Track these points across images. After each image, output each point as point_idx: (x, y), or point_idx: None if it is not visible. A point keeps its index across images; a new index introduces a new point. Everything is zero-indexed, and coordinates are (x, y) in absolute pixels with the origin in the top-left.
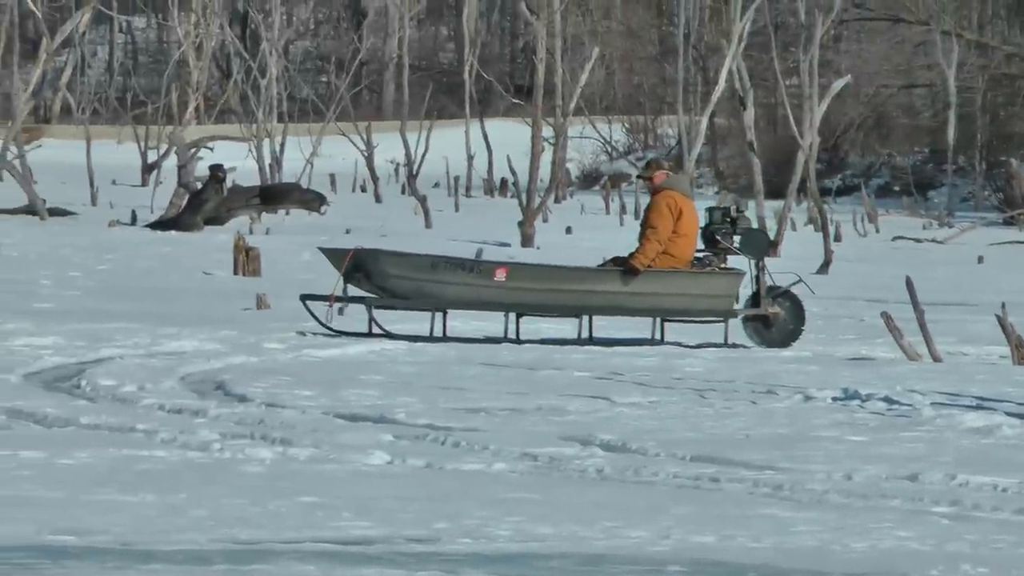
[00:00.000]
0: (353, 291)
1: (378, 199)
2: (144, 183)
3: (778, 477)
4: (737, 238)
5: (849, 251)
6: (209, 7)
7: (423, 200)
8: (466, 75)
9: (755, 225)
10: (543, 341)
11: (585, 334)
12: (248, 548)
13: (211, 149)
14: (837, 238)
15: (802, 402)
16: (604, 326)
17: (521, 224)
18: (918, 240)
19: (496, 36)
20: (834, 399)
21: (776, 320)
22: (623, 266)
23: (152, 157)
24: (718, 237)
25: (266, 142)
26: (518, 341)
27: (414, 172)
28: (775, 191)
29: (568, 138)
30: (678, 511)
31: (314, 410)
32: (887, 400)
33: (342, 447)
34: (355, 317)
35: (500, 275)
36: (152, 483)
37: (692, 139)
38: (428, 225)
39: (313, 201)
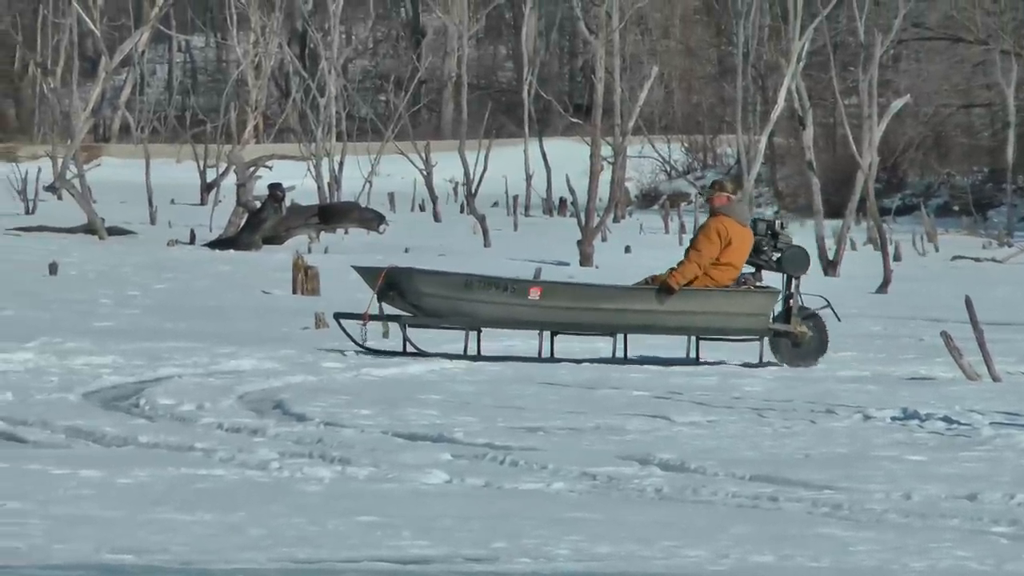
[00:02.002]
0: (387, 310)
1: (437, 218)
2: (203, 202)
3: (837, 497)
4: (777, 254)
5: (908, 271)
6: (268, 26)
7: (482, 219)
8: (525, 94)
9: (796, 242)
10: (578, 361)
11: (620, 353)
12: (307, 567)
13: (270, 168)
14: (896, 258)
15: (861, 421)
16: (640, 345)
17: (580, 243)
18: (977, 259)
19: (555, 55)
20: (893, 419)
21: (803, 340)
22: (659, 284)
23: (211, 176)
24: (763, 248)
25: (325, 161)
26: (552, 359)
27: (473, 191)
28: (834, 211)
29: (627, 157)
30: (737, 531)
31: (373, 429)
32: (946, 420)
33: (401, 466)
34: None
35: (534, 294)
36: (210, 502)
37: (751, 159)
38: (487, 244)
39: (372, 220)
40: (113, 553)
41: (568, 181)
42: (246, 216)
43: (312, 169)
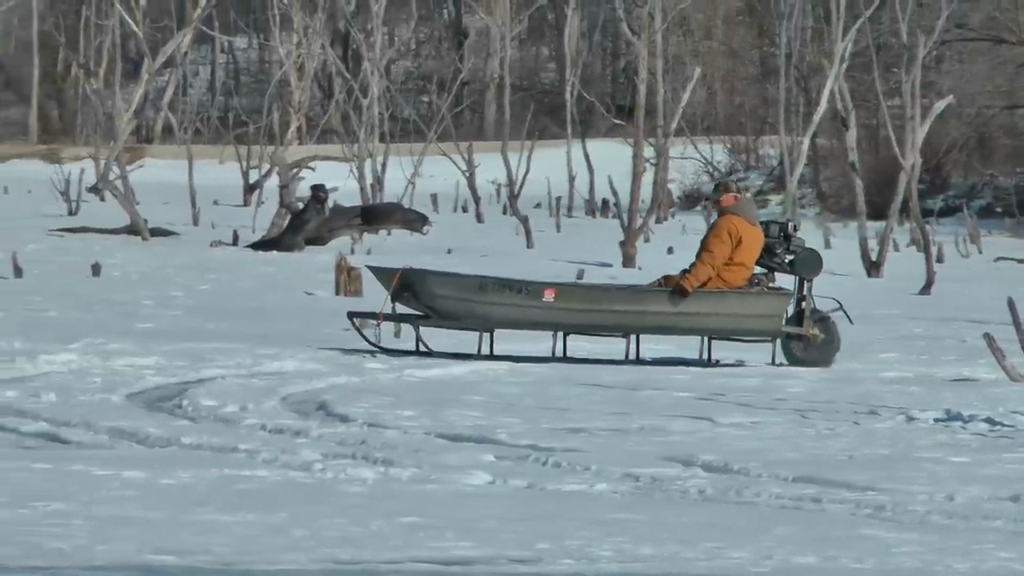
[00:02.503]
0: (400, 310)
1: (479, 219)
2: (246, 203)
3: (880, 498)
4: (790, 257)
5: (951, 272)
6: (311, 27)
7: (524, 220)
8: (567, 95)
9: (808, 244)
10: (584, 360)
11: (632, 354)
12: (349, 568)
13: (313, 169)
14: (939, 259)
15: (904, 423)
16: (651, 346)
17: (622, 244)
18: (1020, 261)
19: (597, 56)
20: (936, 420)
21: (814, 343)
22: (673, 286)
23: (254, 177)
24: (776, 251)
25: (368, 162)
26: (564, 359)
27: (515, 192)
28: (877, 212)
29: (669, 158)
30: (780, 532)
31: (416, 430)
32: (989, 421)
33: (444, 467)
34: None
35: (548, 296)
36: (253, 503)
37: (794, 160)
38: (529, 245)
39: (415, 221)
40: (156, 554)
41: (611, 182)
42: (289, 217)
43: (355, 170)
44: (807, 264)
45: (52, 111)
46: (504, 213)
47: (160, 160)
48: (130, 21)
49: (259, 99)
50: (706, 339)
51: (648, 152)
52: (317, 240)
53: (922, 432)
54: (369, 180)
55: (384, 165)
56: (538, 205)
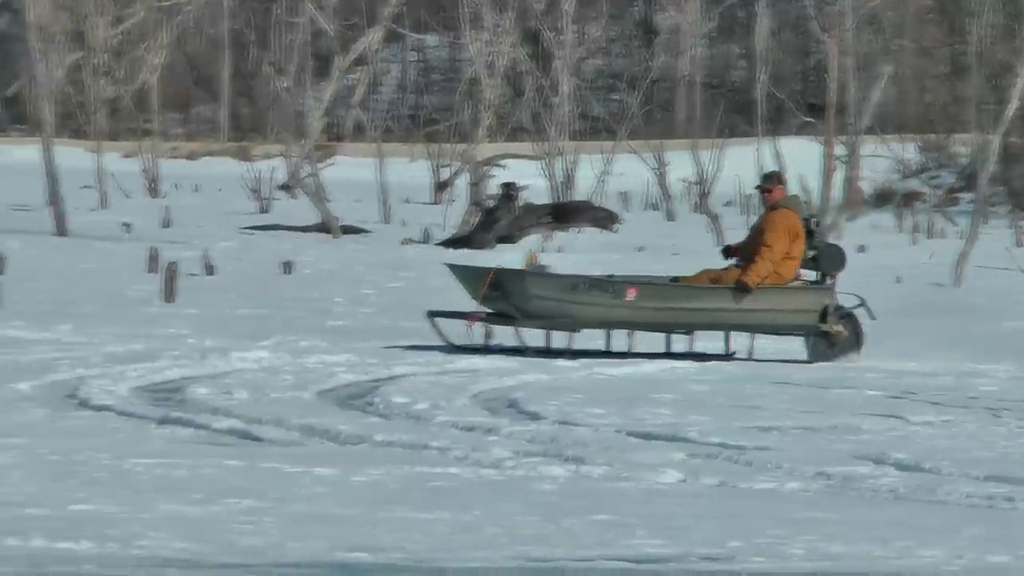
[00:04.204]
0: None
1: (670, 217)
2: (436, 201)
3: None
4: (812, 252)
5: None
6: (501, 26)
7: (715, 218)
8: (757, 93)
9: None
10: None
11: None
12: (541, 566)
13: (503, 167)
14: None
15: None
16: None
17: None
18: None
19: (788, 54)
20: None
21: (839, 339)
22: (735, 282)
23: (444, 175)
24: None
25: (558, 160)
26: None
27: (706, 190)
28: None
29: (860, 156)
30: (972, 531)
31: (607, 428)
32: None
33: (635, 465)
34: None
35: (631, 294)
36: (445, 500)
37: (985, 158)
38: (720, 243)
39: (605, 219)
40: (348, 551)
41: (801, 180)
42: (480, 215)
43: (545, 168)
44: (832, 259)
45: (243, 109)
46: (695, 211)
47: (351, 158)
48: (320, 19)
49: (449, 97)
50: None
51: (839, 150)
52: (508, 238)
53: None
54: (559, 178)
55: (574, 163)
56: (728, 203)
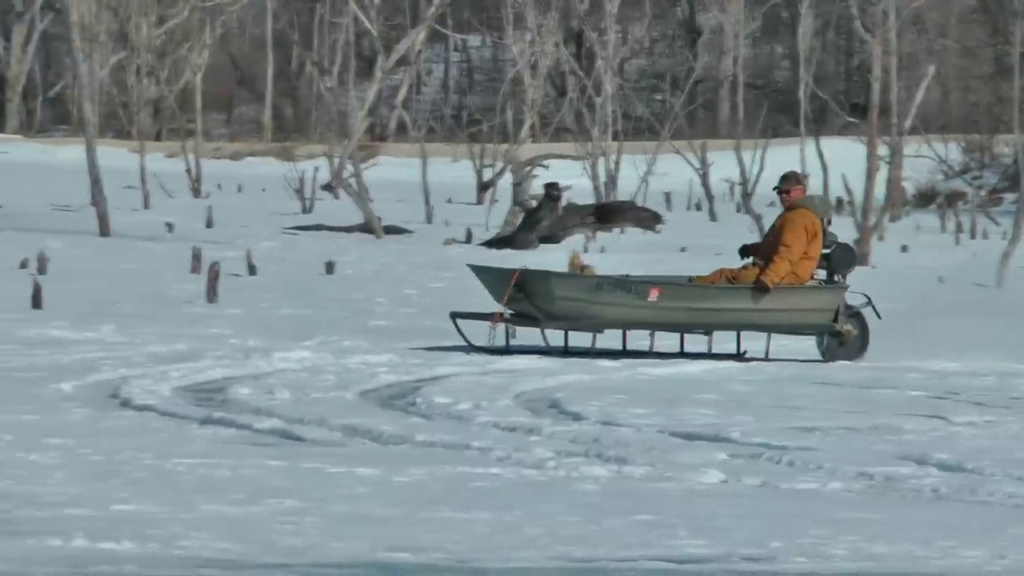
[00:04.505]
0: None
1: (713, 217)
2: (479, 201)
3: None
4: (825, 251)
5: None
6: (544, 26)
7: (758, 219)
8: (801, 93)
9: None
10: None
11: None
12: (583, 567)
13: (546, 167)
14: None
15: None
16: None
17: (857, 243)
18: None
19: (831, 54)
20: None
21: (848, 339)
22: (754, 282)
23: (487, 175)
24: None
25: (601, 160)
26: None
27: (749, 190)
28: None
29: (904, 157)
30: (1015, 531)
31: (649, 428)
32: None
33: (677, 465)
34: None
35: (653, 295)
36: (487, 501)
37: None
38: None
39: (648, 219)
40: (390, 551)
41: (845, 180)
42: (523, 215)
43: (588, 168)
44: (843, 259)
45: (286, 109)
46: (738, 211)
47: (394, 158)
48: (364, 19)
49: (492, 97)
50: (740, 333)
51: (882, 150)
52: (551, 238)
53: None
54: (602, 178)
55: (617, 163)
56: (771, 204)
